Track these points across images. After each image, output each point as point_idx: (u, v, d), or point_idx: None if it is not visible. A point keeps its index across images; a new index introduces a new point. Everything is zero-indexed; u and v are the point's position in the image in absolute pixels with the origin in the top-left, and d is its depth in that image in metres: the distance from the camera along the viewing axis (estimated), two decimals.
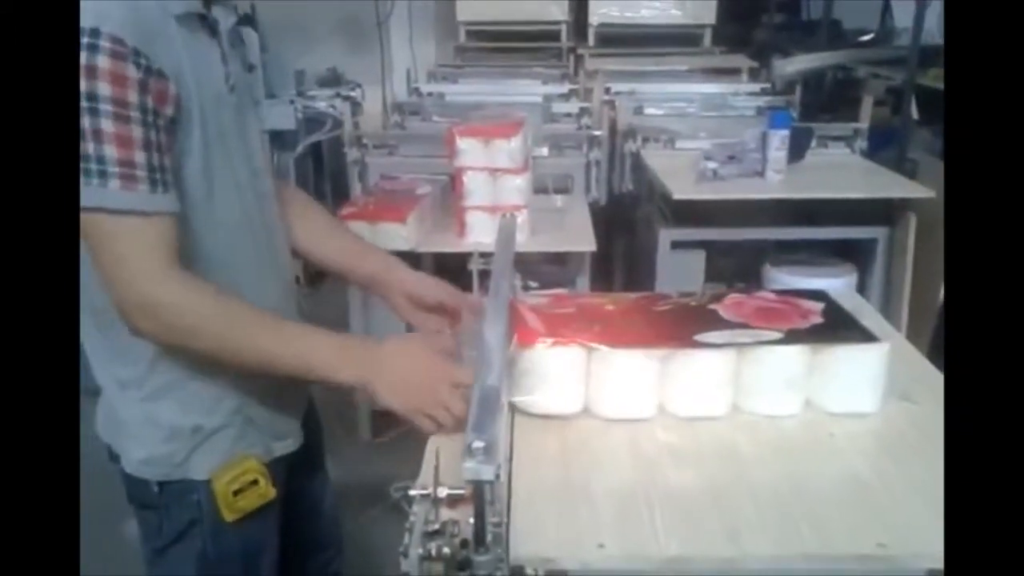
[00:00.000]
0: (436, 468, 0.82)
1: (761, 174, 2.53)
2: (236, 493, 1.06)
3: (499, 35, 4.42)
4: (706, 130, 2.90)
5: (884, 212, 2.56)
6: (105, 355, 1.05)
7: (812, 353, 1.07)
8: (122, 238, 0.90)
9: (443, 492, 0.82)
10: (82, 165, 0.86)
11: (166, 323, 0.94)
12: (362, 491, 2.22)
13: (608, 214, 2.89)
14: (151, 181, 0.90)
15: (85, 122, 0.85)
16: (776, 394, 1.07)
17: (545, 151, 2.68)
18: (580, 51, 4.36)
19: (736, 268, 2.75)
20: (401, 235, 2.15)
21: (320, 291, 2.16)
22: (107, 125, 0.86)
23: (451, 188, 2.46)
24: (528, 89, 3.50)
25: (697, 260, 2.60)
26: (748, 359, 1.06)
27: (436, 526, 0.79)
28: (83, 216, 0.88)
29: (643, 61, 4.08)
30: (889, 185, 2.55)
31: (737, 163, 2.54)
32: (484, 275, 2.12)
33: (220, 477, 1.05)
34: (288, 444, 1.16)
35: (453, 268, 2.59)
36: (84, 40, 0.85)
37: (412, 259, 2.35)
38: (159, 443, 1.04)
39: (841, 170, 2.68)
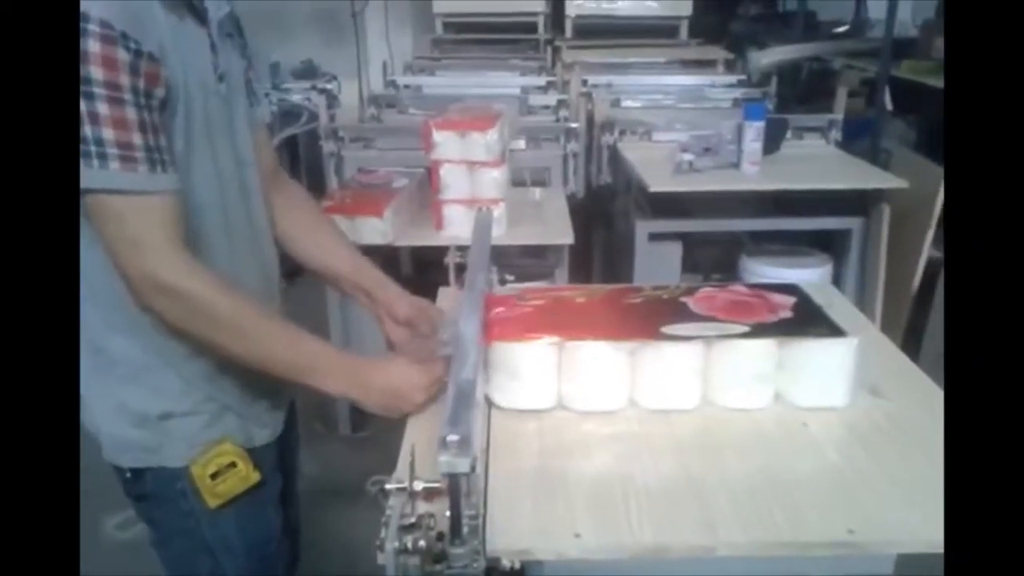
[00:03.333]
0: (412, 462, 0.83)
1: (737, 166, 2.55)
2: (214, 477, 1.06)
3: (476, 27, 4.41)
4: (683, 122, 2.91)
5: (859, 202, 2.59)
6: (86, 343, 1.04)
7: (779, 347, 1.07)
8: (128, 218, 0.92)
9: (419, 485, 0.82)
10: (81, 148, 0.87)
11: (179, 308, 0.96)
12: (341, 487, 2.22)
13: (586, 206, 2.90)
14: (150, 161, 0.91)
15: (81, 105, 0.86)
16: (745, 388, 1.07)
17: (522, 144, 2.68)
18: (558, 43, 4.36)
19: (713, 259, 2.77)
20: (378, 229, 2.14)
21: (297, 285, 2.16)
22: (102, 108, 0.87)
23: (428, 181, 2.45)
24: (505, 81, 3.50)
25: (674, 252, 2.61)
26: (716, 353, 1.07)
27: (412, 519, 0.79)
28: (87, 198, 0.90)
29: (620, 53, 4.09)
30: (863, 176, 2.58)
31: (713, 155, 2.55)
32: (461, 268, 2.12)
33: (196, 461, 1.06)
34: (267, 434, 1.16)
35: (430, 261, 2.58)
36: None
37: (389, 253, 2.36)
38: (129, 428, 1.05)
39: (816, 161, 2.71)
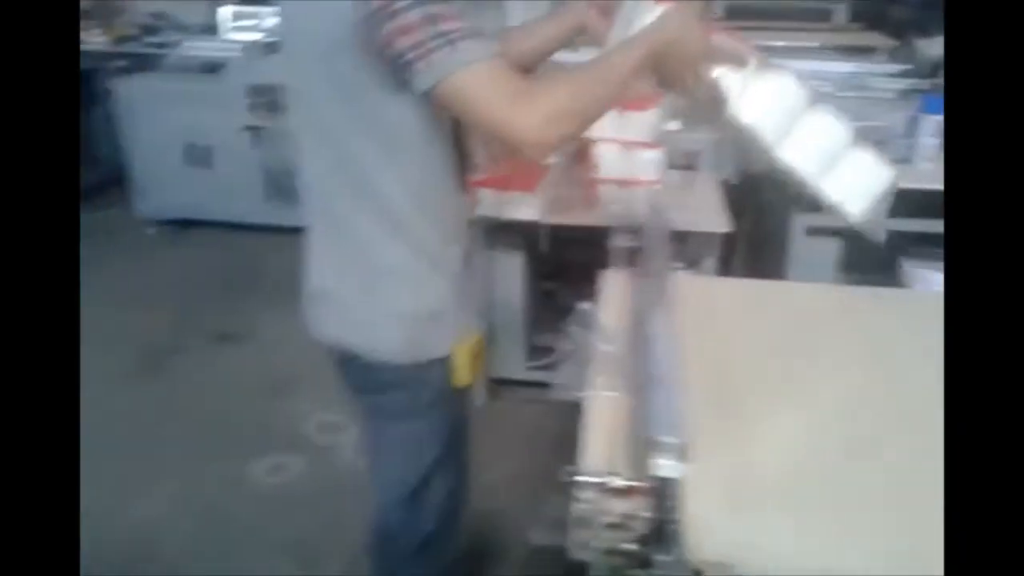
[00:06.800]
0: (612, 457, 0.78)
1: (908, 161, 2.37)
2: (465, 363, 1.21)
3: None
4: (844, 111, 2.74)
5: None
6: (352, 259, 1.16)
7: None
8: (498, 78, 1.00)
9: (617, 482, 0.77)
10: (427, 47, 0.96)
11: (556, 122, 1.02)
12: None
13: (733, 194, 2.77)
14: (481, 37, 1.00)
15: (414, 15, 0.95)
16: None
17: (675, 125, 2.58)
18: None
19: (873, 259, 2.60)
20: (530, 204, 2.10)
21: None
22: (435, 8, 0.97)
23: (577, 159, 2.40)
24: None
25: (831, 249, 2.47)
26: None
27: (614, 519, 0.74)
28: (451, 81, 0.98)
29: (768, 36, 3.90)
30: None
31: (882, 149, 2.38)
32: (628, 253, 2.05)
33: (459, 352, 1.20)
34: (481, 324, 1.29)
35: (570, 239, 2.53)
36: None
37: (527, 229, 2.32)
38: (401, 329, 1.17)
39: None
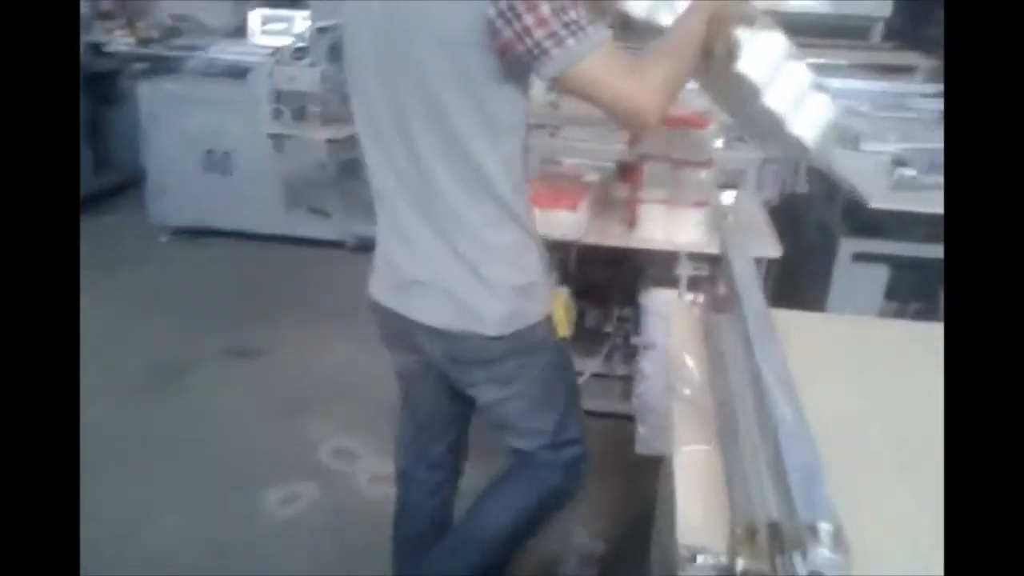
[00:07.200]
0: (735, 538, 0.66)
1: None
2: (559, 316, 1.35)
3: None
4: (893, 132, 2.63)
5: None
6: (461, 242, 1.24)
7: None
8: (615, 58, 1.11)
9: (742, 566, 0.66)
10: (559, 36, 1.07)
11: (663, 92, 1.15)
12: None
13: (774, 214, 2.66)
14: (594, 24, 1.11)
15: (546, 7, 1.06)
16: None
17: (720, 143, 2.47)
18: None
19: (919, 288, 2.48)
20: (572, 223, 1.99)
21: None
22: (557, 4, 1.08)
23: (617, 177, 2.29)
24: None
25: (879, 276, 2.35)
26: None
27: None
28: (581, 65, 1.09)
29: (807, 53, 3.79)
30: None
31: (939, 171, 2.27)
32: (695, 281, 1.94)
33: (556, 310, 1.35)
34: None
35: (597, 260, 2.42)
36: None
37: (556, 247, 2.21)
38: (509, 301, 1.28)
39: None
